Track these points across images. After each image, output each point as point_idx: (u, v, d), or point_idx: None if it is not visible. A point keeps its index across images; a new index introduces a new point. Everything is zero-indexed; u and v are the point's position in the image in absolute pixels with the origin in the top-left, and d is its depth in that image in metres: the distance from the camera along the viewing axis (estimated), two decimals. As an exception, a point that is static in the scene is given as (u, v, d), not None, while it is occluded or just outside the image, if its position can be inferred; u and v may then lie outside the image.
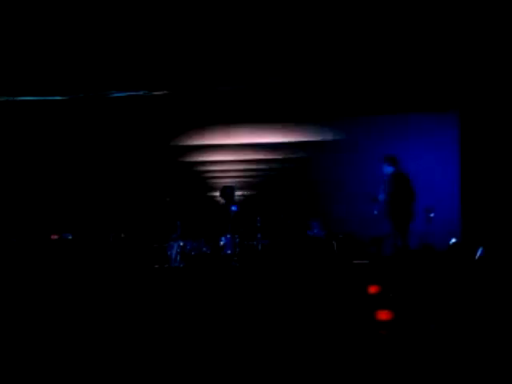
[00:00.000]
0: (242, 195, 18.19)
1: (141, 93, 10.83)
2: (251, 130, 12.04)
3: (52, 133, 11.52)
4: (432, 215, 10.42)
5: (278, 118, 11.87)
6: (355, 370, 5.35)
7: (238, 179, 16.78)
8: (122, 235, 11.17)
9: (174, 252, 10.23)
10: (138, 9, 7.83)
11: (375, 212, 10.18)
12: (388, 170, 10.37)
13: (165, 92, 11.07)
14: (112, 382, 5.20)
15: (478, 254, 8.93)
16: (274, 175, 16.48)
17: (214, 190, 16.59)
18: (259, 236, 10.77)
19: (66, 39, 8.77)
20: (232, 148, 13.08)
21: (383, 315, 7.01)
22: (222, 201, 11.49)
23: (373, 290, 8.15)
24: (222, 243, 10.73)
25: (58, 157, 11.77)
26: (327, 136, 12.32)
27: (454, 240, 10.38)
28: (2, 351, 5.85)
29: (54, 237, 10.78)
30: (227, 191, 11.37)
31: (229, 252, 10.60)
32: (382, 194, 10.23)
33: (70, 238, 10.77)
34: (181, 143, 12.24)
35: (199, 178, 15.57)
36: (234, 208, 11.11)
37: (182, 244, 10.55)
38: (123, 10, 7.76)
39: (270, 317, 7.35)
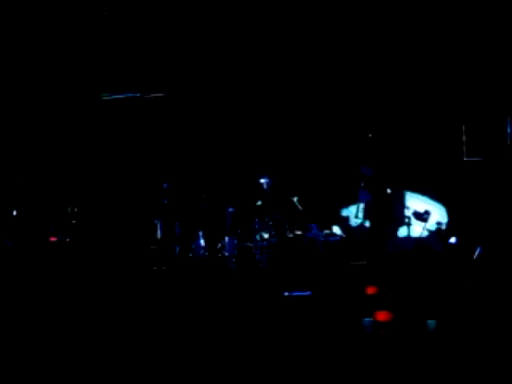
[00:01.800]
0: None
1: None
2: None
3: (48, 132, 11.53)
4: (429, 216, 10.41)
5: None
6: (354, 372, 5.34)
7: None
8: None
9: None
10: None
11: (355, 215, 10.22)
12: (368, 172, 10.35)
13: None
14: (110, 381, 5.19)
15: (477, 254, 8.93)
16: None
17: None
18: (257, 238, 10.74)
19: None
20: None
21: (382, 316, 7.00)
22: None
23: (371, 290, 8.15)
24: (219, 245, 10.71)
25: (56, 157, 11.75)
26: None
27: (452, 240, 10.37)
28: (2, 352, 5.83)
29: (53, 239, 10.74)
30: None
31: (227, 254, 10.58)
32: (363, 196, 10.26)
33: (67, 240, 10.74)
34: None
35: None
36: (230, 210, 11.08)
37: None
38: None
39: (267, 318, 7.34)
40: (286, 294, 8.87)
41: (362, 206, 10.27)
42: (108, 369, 5.48)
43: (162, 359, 5.79)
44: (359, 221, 10.31)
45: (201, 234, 10.90)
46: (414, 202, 10.67)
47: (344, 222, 10.69)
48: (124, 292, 8.74)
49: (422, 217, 10.16)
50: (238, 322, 7.20)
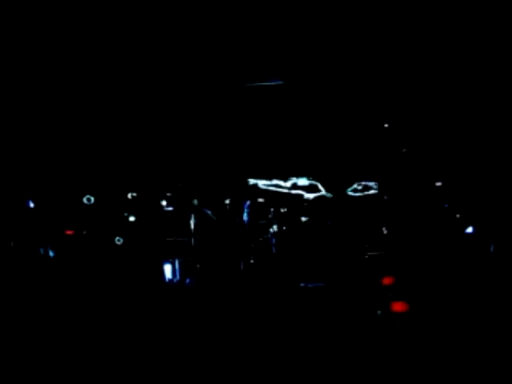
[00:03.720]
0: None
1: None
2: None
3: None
4: (446, 206, 10.36)
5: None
6: (370, 362, 5.33)
7: None
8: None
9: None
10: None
11: None
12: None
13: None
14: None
15: (492, 249, 8.87)
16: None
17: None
18: (271, 229, 10.73)
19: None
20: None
21: (398, 307, 6.98)
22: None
23: (387, 281, 8.11)
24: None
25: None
26: None
27: (469, 229, 10.30)
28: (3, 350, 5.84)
29: (69, 232, 10.69)
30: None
31: (242, 246, 10.56)
32: None
33: (85, 233, 10.66)
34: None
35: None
36: (245, 204, 11.07)
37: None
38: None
39: (281, 309, 7.34)
40: (303, 284, 8.87)
41: None
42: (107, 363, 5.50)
43: (178, 341, 5.82)
44: None
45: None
46: None
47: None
48: (132, 284, 8.77)
49: None
50: (254, 312, 7.21)
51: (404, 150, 10.72)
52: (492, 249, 8.88)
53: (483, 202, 10.54)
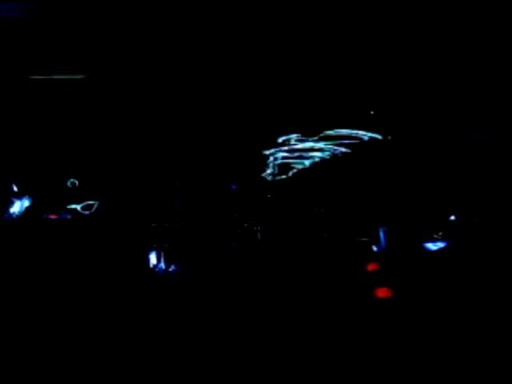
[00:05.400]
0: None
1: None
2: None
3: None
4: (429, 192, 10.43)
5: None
6: (354, 347, 5.38)
7: None
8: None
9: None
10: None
11: None
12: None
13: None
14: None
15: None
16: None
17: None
18: (259, 215, 10.73)
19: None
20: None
21: (382, 293, 7.03)
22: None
23: (372, 267, 8.17)
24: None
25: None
26: None
27: (452, 217, 10.37)
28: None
29: (53, 217, 10.58)
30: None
31: (227, 232, 10.55)
32: None
33: (69, 218, 10.56)
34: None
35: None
36: (233, 187, 11.05)
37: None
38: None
39: (269, 296, 7.37)
40: (288, 270, 8.91)
41: None
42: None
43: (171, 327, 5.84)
44: None
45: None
46: None
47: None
48: (123, 271, 8.75)
49: None
50: (237, 298, 7.23)
51: (389, 137, 10.77)
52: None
53: (466, 190, 10.63)
